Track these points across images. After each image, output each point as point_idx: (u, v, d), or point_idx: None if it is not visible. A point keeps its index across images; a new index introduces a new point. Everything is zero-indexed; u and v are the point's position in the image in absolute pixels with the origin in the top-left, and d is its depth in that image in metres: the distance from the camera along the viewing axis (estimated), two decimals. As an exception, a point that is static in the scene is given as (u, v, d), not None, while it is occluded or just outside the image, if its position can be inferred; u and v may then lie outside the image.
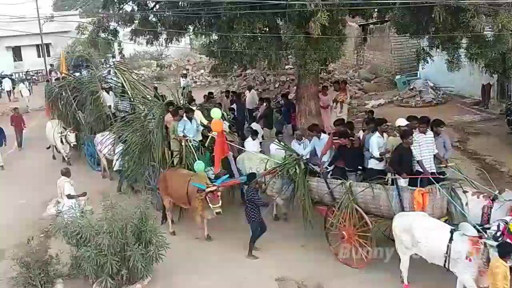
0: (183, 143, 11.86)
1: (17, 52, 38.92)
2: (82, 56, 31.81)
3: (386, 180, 9.42)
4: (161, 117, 12.63)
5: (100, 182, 14.80)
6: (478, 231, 8.00)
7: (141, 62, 35.70)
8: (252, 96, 19.12)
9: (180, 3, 15.26)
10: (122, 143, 13.70)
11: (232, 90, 21.60)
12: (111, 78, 17.43)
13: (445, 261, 7.92)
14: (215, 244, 10.85)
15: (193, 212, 11.00)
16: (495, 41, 11.06)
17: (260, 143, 13.46)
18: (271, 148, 12.23)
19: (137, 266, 8.82)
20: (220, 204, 10.35)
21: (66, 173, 11.61)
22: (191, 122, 12.12)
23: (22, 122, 19.29)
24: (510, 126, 16.13)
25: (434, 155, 9.52)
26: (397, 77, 23.85)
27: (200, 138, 12.40)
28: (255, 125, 15.38)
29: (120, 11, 16.73)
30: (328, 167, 10.53)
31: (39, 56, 37.55)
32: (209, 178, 11.00)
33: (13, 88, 30.14)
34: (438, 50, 12.91)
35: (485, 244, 7.51)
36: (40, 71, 36.43)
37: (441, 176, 9.39)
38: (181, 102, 13.72)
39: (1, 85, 31.26)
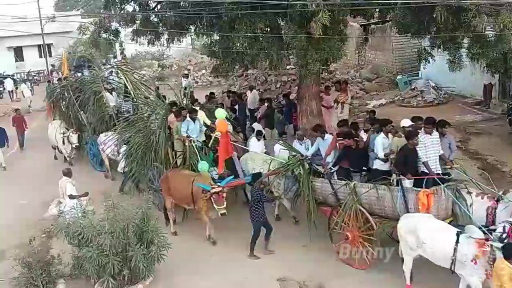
0: (186, 144, 11.86)
1: (18, 53, 38.85)
2: (84, 56, 31.93)
3: (391, 181, 9.39)
4: (164, 117, 12.64)
5: (102, 183, 14.79)
6: (484, 233, 7.94)
7: (143, 62, 35.65)
8: (254, 96, 19.10)
9: (182, 3, 15.26)
10: (125, 144, 13.70)
11: (234, 90, 21.59)
12: (112, 79, 17.45)
13: (452, 264, 7.88)
14: (217, 244, 10.84)
15: (199, 212, 10.98)
16: (497, 41, 11.07)
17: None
18: (275, 148, 12.22)
19: (139, 266, 8.82)
20: (225, 205, 10.33)
21: (67, 173, 11.63)
22: (194, 122, 12.12)
23: (24, 123, 19.32)
24: (512, 126, 16.11)
25: (440, 156, 9.47)
26: (399, 77, 23.83)
27: (204, 138, 12.40)
28: (256, 125, 15.38)
29: (122, 11, 16.75)
30: (332, 167, 10.51)
31: (40, 57, 37.56)
32: (213, 179, 10.99)
33: (16, 88, 30.12)
34: (439, 50, 12.89)
35: (491, 246, 7.47)
36: (42, 71, 36.40)
37: (446, 177, 9.32)
38: (184, 102, 13.72)
39: (3, 86, 31.28)
